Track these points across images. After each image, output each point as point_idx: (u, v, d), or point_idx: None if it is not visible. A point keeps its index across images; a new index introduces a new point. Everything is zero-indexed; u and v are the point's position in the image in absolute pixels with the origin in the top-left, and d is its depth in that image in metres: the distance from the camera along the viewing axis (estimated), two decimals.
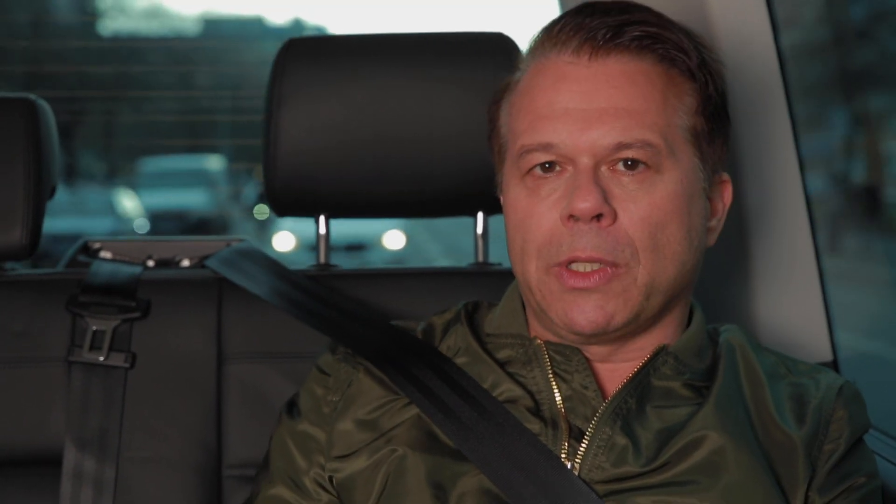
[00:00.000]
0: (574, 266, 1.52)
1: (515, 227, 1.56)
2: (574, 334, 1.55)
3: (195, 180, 13.69)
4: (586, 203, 1.49)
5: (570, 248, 1.51)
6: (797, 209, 2.12)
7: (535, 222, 1.53)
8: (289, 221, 11.76)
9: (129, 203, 13.33)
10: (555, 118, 1.52)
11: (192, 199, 13.51)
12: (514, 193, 1.57)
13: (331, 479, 1.62)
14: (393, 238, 13.51)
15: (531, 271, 1.55)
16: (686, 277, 1.57)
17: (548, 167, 1.53)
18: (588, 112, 1.51)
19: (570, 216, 1.50)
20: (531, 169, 1.54)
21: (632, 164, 1.51)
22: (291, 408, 1.70)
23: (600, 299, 1.51)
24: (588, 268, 1.51)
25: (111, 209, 12.79)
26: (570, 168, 1.52)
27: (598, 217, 1.50)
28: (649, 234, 1.51)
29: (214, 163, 14.43)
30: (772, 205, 2.12)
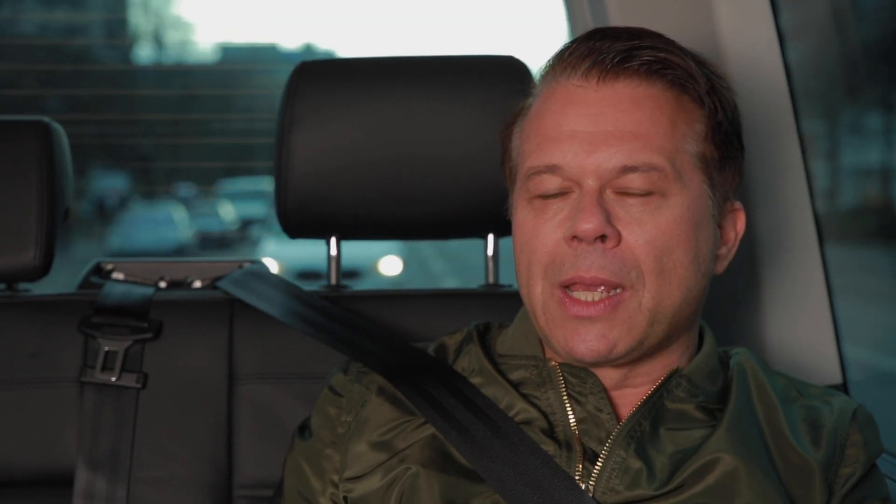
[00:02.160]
0: (577, 294, 1.49)
1: (521, 247, 1.54)
2: (576, 360, 1.52)
3: (256, 196, 16.09)
4: (589, 224, 1.46)
5: (573, 268, 1.48)
6: (807, 233, 2.10)
7: (540, 242, 1.51)
8: (272, 245, 13.16)
9: (225, 211, 16.12)
10: (561, 140, 1.51)
11: (254, 210, 15.97)
12: (521, 215, 1.55)
13: (345, 498, 1.59)
14: (389, 264, 13.42)
15: (536, 293, 1.53)
16: (692, 305, 1.53)
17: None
18: (594, 134, 1.49)
19: (574, 237, 1.48)
20: (538, 192, 1.52)
21: (638, 192, 1.49)
22: (303, 430, 1.68)
23: (603, 328, 1.49)
24: (591, 296, 1.49)
25: (216, 214, 15.96)
26: (576, 190, 1.50)
27: (603, 239, 1.48)
28: (655, 257, 1.48)
29: (267, 184, 16.11)
30: (781, 228, 2.10)
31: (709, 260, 1.54)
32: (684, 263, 1.50)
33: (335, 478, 1.61)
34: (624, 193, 1.49)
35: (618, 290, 1.49)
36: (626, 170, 1.48)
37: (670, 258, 1.49)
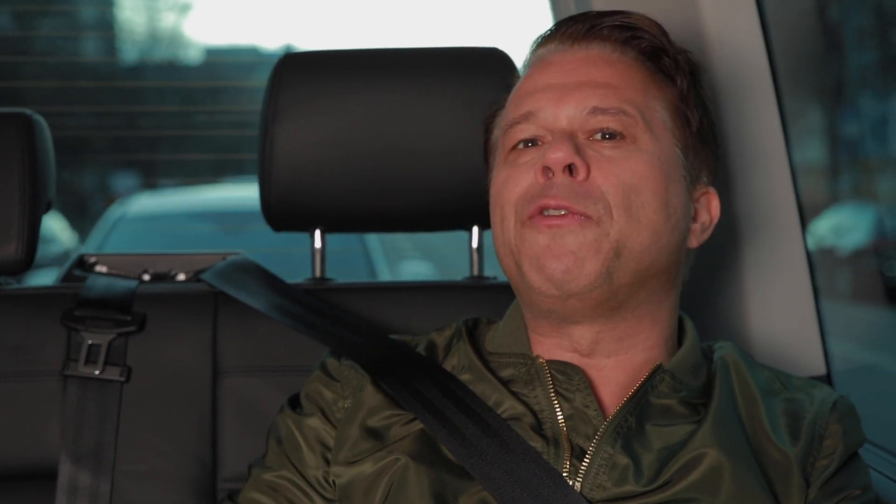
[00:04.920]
0: (547, 213, 1.50)
1: (495, 198, 1.56)
2: (548, 286, 1.49)
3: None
4: (559, 153, 1.48)
5: (540, 196, 1.49)
6: (790, 222, 2.08)
7: (512, 184, 1.53)
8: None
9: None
10: (536, 92, 1.55)
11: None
12: (498, 172, 1.57)
13: (333, 481, 1.57)
14: None
15: (509, 228, 1.53)
16: (662, 254, 1.52)
17: (530, 145, 1.54)
18: (567, 85, 1.53)
19: (544, 168, 1.49)
20: (515, 146, 1.54)
21: (609, 137, 1.50)
22: (295, 404, 1.65)
23: (572, 243, 1.48)
24: (561, 213, 1.49)
25: None
26: (549, 139, 1.52)
27: (571, 170, 1.48)
28: (623, 192, 1.49)
29: None
30: (764, 219, 2.08)
31: (681, 218, 1.54)
32: (653, 206, 1.50)
33: (328, 455, 1.59)
34: (595, 139, 1.51)
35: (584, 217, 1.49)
36: (596, 111, 1.51)
37: (638, 197, 1.49)
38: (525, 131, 1.54)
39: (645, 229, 1.49)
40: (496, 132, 1.62)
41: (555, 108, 1.52)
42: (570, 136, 1.50)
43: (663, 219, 1.51)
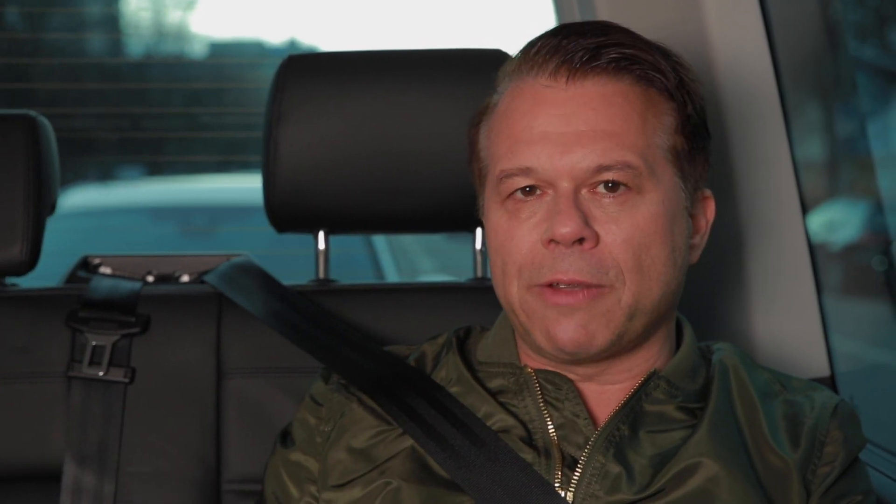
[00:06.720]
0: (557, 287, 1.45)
1: (496, 250, 1.50)
2: (557, 352, 1.47)
3: None
4: (567, 228, 1.42)
5: (551, 271, 1.44)
6: (793, 223, 2.06)
7: (516, 245, 1.47)
8: None
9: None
10: (533, 142, 1.46)
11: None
12: (495, 217, 1.50)
13: None
14: None
15: (512, 292, 1.48)
16: (670, 298, 1.50)
17: (528, 191, 1.47)
18: (567, 135, 1.45)
19: (551, 241, 1.44)
20: (511, 193, 1.48)
21: (612, 186, 1.45)
22: (285, 437, 1.63)
23: (583, 318, 1.44)
24: (570, 288, 1.45)
25: None
26: (550, 191, 1.46)
27: (581, 241, 1.43)
28: (633, 255, 1.44)
29: None
30: (768, 222, 2.07)
31: (684, 252, 1.51)
32: (662, 259, 1.46)
33: (312, 488, 1.56)
34: (599, 192, 1.45)
35: (597, 288, 1.45)
36: (601, 169, 1.44)
37: (648, 255, 1.45)
38: (522, 182, 1.47)
39: (656, 284, 1.46)
40: (484, 157, 1.55)
41: (555, 163, 1.44)
42: (576, 199, 1.44)
43: (671, 265, 1.48)
